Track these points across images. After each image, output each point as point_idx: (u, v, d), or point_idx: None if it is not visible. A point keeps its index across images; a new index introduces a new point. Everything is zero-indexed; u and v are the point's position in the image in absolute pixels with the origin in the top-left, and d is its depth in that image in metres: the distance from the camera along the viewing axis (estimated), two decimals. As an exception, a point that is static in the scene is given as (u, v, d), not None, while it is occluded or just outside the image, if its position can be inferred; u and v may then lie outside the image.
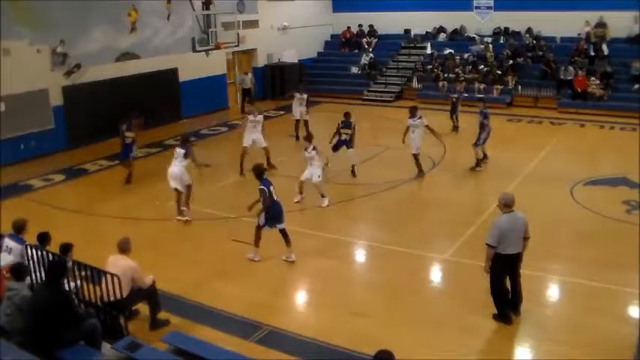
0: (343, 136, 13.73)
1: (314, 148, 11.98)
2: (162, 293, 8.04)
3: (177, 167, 11.38)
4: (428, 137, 14.13)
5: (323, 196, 12.14)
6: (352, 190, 13.20)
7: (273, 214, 9.39)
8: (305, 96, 17.26)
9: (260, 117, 14.46)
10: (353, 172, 13.94)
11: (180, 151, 11.45)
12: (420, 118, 13.64)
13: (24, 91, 15.59)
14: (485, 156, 14.65)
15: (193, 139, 13.60)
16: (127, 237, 7.73)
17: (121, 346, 6.37)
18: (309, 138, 12.27)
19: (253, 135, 14.29)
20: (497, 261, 7.48)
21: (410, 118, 13.72)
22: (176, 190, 11.46)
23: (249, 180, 13.87)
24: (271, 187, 9.34)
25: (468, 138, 16.87)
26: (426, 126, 13.64)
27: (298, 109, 17.28)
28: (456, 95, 18.04)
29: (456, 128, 17.90)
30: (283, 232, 9.60)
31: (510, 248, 7.43)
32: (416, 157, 13.71)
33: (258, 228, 9.55)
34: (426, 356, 6.99)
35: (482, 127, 14.25)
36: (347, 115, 14.05)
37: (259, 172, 9.50)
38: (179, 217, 11.54)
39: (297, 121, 17.37)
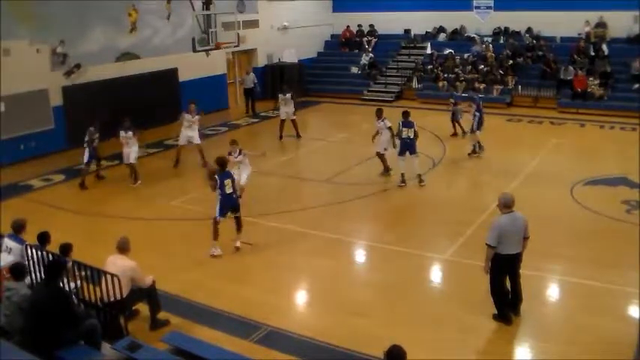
0: (404, 135, 12.85)
1: (240, 152, 11.91)
2: (162, 293, 8.04)
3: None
4: (426, 137, 14.10)
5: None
6: (352, 190, 13.19)
7: (225, 205, 9.92)
8: (288, 96, 17.42)
9: (197, 117, 15.02)
10: (421, 180, 13.09)
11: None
12: (384, 120, 13.46)
13: (24, 91, 15.59)
14: (480, 146, 14.65)
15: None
16: (126, 237, 7.72)
17: (121, 346, 6.37)
18: (234, 142, 12.03)
19: (189, 133, 14.97)
20: (497, 261, 7.48)
21: (377, 120, 13.60)
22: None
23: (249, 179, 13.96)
24: (227, 180, 9.85)
25: (469, 137, 16.93)
26: (389, 128, 13.37)
27: (284, 110, 17.47)
28: (453, 100, 17.35)
29: (463, 133, 17.07)
30: (238, 219, 10.11)
31: (510, 248, 7.43)
32: (381, 156, 13.69)
33: (215, 222, 9.93)
34: (426, 356, 6.97)
35: (474, 115, 14.63)
36: (406, 114, 13.16)
37: (221, 163, 10.01)
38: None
39: (283, 121, 17.57)
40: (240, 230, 10.19)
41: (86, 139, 13.81)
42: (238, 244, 10.19)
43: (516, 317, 7.75)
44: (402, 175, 13.06)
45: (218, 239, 9.98)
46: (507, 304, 7.75)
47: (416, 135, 12.93)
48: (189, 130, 15.03)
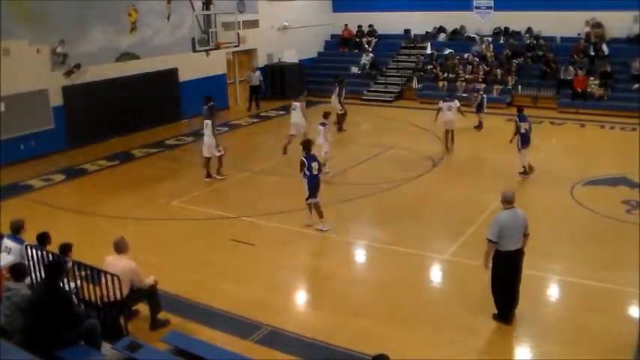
0: (523, 129, 13.26)
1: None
2: (163, 293, 8.03)
3: (208, 137, 13.67)
4: (427, 137, 14.10)
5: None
6: (352, 190, 13.20)
7: (315, 185, 10.70)
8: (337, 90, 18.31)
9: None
10: (529, 169, 13.42)
11: (207, 122, 13.69)
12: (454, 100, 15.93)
13: (24, 91, 15.58)
14: None
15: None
16: (122, 237, 7.69)
17: (121, 346, 6.36)
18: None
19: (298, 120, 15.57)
20: (498, 258, 7.48)
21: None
22: (206, 158, 13.79)
23: (250, 179, 13.98)
24: (314, 163, 10.66)
25: (470, 137, 16.95)
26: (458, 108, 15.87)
27: (337, 104, 18.10)
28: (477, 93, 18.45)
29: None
30: (317, 205, 10.82)
31: (510, 244, 7.41)
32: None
33: (315, 205, 10.80)
34: (425, 356, 6.99)
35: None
36: (521, 109, 13.96)
37: (306, 146, 10.91)
38: (216, 176, 13.95)
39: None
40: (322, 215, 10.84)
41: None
42: (323, 227, 10.82)
43: (510, 320, 7.72)
44: (524, 167, 13.38)
45: (323, 216, 10.80)
46: (507, 303, 7.74)
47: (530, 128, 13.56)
48: (297, 117, 15.54)
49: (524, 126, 13.33)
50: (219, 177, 13.93)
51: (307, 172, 10.60)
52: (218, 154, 13.78)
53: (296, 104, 15.61)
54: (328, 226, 10.80)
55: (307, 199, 10.78)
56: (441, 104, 15.98)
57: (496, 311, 7.75)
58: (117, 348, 6.37)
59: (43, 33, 16.01)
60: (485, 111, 17.96)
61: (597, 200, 11.91)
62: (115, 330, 7.23)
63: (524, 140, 13.27)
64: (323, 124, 13.86)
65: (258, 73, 22.46)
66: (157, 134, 18.34)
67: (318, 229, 10.81)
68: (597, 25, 21.98)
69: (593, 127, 18.38)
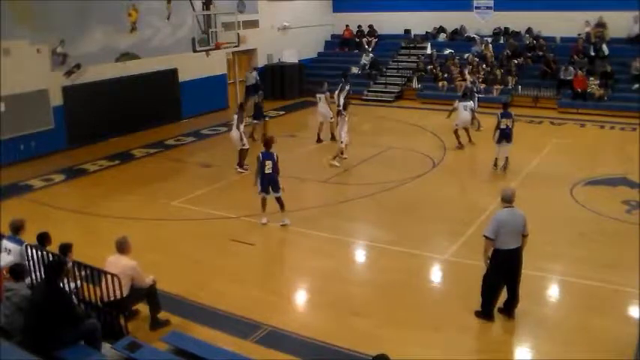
0: (503, 125, 13.57)
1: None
2: (163, 293, 8.03)
3: (234, 131, 14.46)
4: (427, 137, 14.12)
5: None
6: (352, 190, 13.20)
7: (263, 182, 10.87)
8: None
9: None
10: (505, 166, 13.84)
11: (234, 116, 14.50)
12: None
13: (24, 91, 15.58)
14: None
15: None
16: (124, 236, 7.69)
17: (121, 346, 6.38)
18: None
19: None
20: (496, 257, 7.48)
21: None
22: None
23: (249, 179, 13.96)
24: (267, 161, 10.69)
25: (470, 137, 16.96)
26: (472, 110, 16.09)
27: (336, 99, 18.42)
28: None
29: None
30: (278, 200, 10.96)
31: (508, 243, 7.41)
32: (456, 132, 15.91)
33: (261, 198, 11.07)
34: (425, 356, 6.99)
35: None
36: (506, 105, 14.30)
37: (266, 143, 11.03)
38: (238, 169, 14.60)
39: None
40: (283, 209, 11.00)
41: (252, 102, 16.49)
42: (287, 221, 11.02)
43: (510, 319, 7.73)
44: (496, 159, 13.91)
45: (265, 210, 11.13)
46: (494, 302, 7.72)
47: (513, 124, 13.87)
48: (323, 107, 17.05)
49: (505, 122, 13.57)
50: (240, 170, 14.48)
51: (260, 169, 10.79)
52: (239, 146, 14.39)
53: (320, 96, 17.02)
54: (266, 220, 11.14)
55: (259, 192, 11.05)
56: (457, 104, 16.31)
57: (480, 308, 7.73)
58: (117, 348, 6.38)
59: (43, 33, 16.00)
60: (478, 109, 17.83)
61: (597, 200, 11.91)
62: (115, 330, 7.24)
63: (502, 135, 13.60)
64: (340, 114, 14.84)
65: (255, 73, 22.39)
66: (157, 134, 18.35)
67: (261, 221, 11.14)
68: (601, 25, 21.97)
69: (593, 127, 18.38)
